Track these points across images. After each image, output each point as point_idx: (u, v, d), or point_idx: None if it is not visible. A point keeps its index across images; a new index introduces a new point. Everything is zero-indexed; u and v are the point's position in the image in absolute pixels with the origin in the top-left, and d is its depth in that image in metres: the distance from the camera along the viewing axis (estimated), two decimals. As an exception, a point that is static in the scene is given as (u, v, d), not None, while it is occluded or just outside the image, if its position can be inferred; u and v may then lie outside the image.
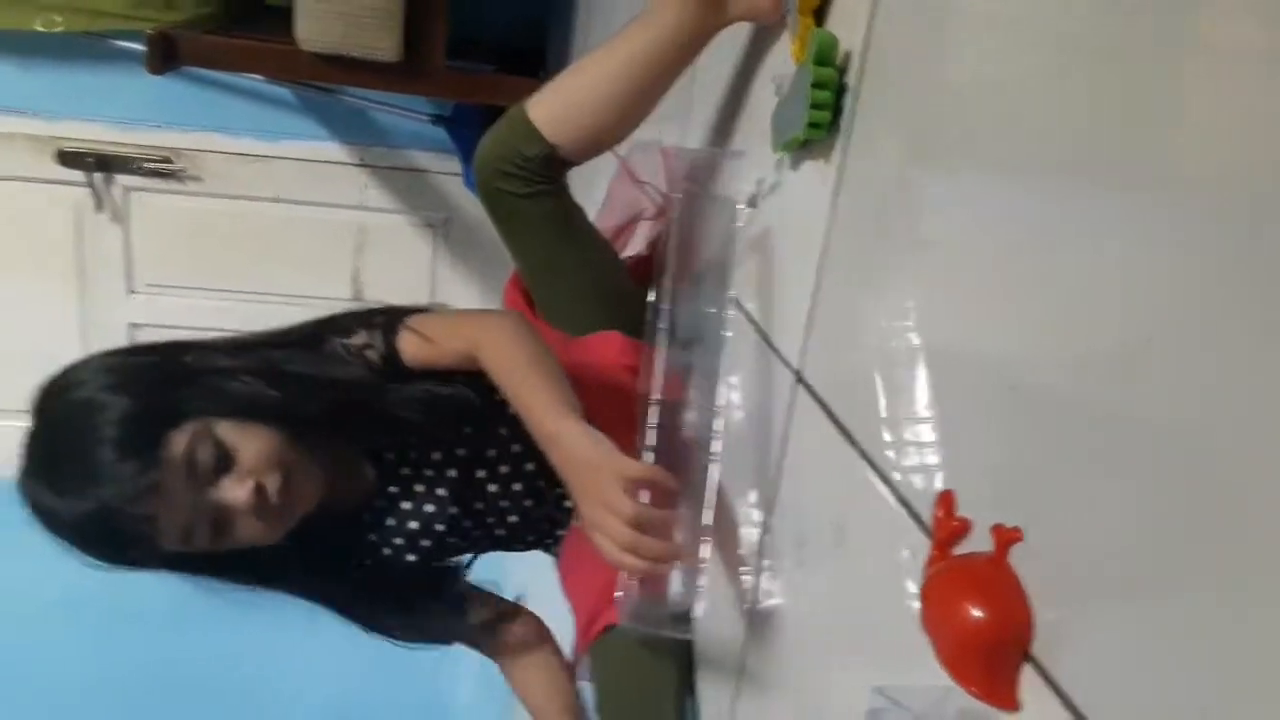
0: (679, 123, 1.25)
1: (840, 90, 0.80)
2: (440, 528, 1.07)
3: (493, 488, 1.08)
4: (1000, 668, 0.52)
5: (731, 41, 1.03)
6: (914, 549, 0.62)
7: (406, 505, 1.07)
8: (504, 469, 1.07)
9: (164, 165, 2.69)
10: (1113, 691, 0.46)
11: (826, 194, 0.82)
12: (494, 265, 2.82)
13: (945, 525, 0.59)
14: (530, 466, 1.07)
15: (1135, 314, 0.46)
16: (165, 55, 1.86)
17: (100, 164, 2.64)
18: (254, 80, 2.57)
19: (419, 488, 1.07)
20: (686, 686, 1.05)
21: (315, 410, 0.96)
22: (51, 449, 0.92)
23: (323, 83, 2.40)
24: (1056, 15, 0.55)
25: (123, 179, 2.70)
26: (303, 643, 2.64)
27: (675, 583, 0.96)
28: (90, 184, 2.64)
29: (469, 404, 1.02)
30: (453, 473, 1.06)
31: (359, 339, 0.99)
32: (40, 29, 2.21)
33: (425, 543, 1.08)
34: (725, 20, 0.95)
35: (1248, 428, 0.40)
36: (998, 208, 0.59)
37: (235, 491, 0.91)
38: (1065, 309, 0.52)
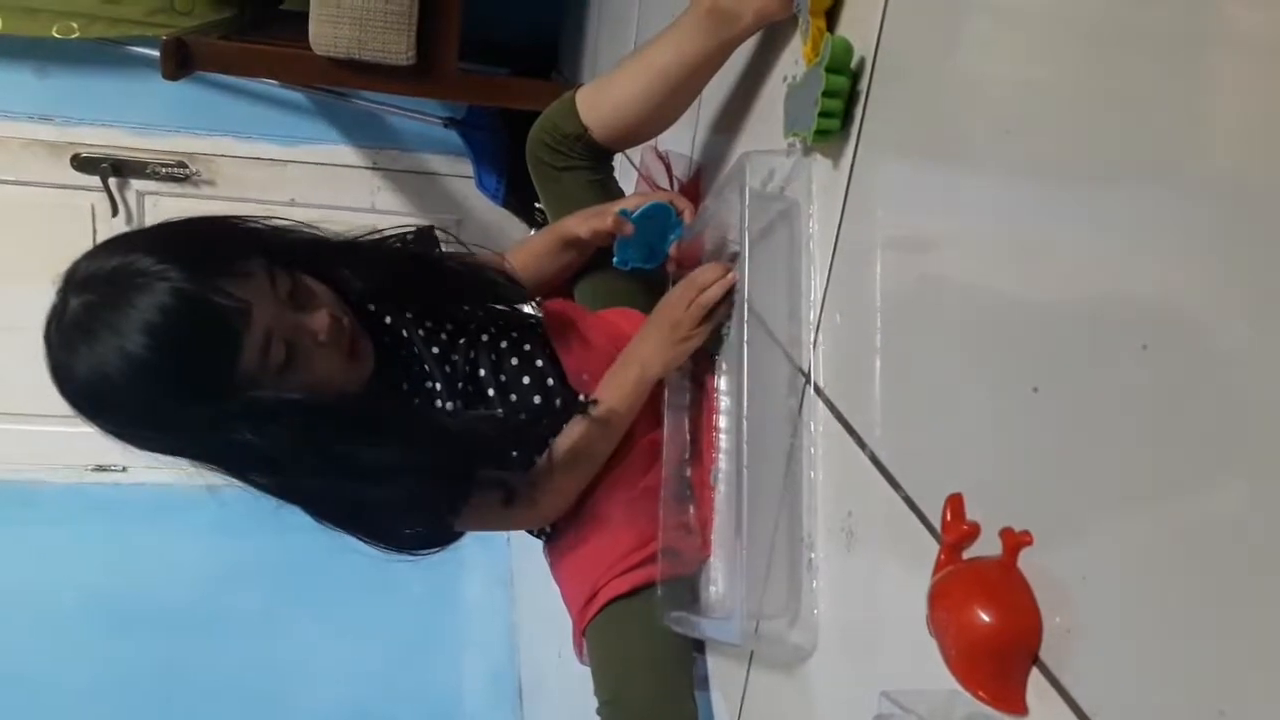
0: (690, 120, 1.25)
1: (851, 97, 0.80)
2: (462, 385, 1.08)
3: (503, 368, 1.11)
4: (1008, 672, 0.52)
5: (743, 42, 1.03)
6: (923, 552, 0.62)
7: (415, 380, 1.07)
8: (514, 361, 1.12)
9: (178, 170, 2.70)
10: (1120, 697, 0.46)
11: (837, 194, 0.82)
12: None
13: (954, 529, 0.59)
14: (539, 363, 1.12)
15: (1146, 315, 0.46)
16: (180, 61, 1.86)
17: (115, 169, 2.66)
18: (267, 85, 2.58)
19: (421, 367, 1.07)
20: (692, 659, 1.06)
21: (362, 273, 1.04)
22: (113, 274, 0.87)
23: (336, 86, 2.41)
24: (1067, 17, 0.55)
25: (138, 184, 2.71)
26: (311, 649, 2.66)
27: (716, 580, 0.98)
28: (106, 189, 2.66)
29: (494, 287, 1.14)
30: (444, 361, 1.09)
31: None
32: (57, 36, 2.22)
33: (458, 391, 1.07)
34: (739, 32, 0.97)
35: (1263, 429, 0.39)
36: (1009, 209, 0.59)
37: (313, 318, 0.94)
38: (1077, 310, 0.51)
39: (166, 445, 0.94)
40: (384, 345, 1.06)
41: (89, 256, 0.92)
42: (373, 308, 1.08)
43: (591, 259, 1.21)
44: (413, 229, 1.15)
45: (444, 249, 1.17)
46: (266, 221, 1.01)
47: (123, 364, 0.85)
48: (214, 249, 0.91)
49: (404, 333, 1.08)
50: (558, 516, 1.10)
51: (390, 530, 1.01)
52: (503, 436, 1.07)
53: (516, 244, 1.26)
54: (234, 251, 0.92)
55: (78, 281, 0.89)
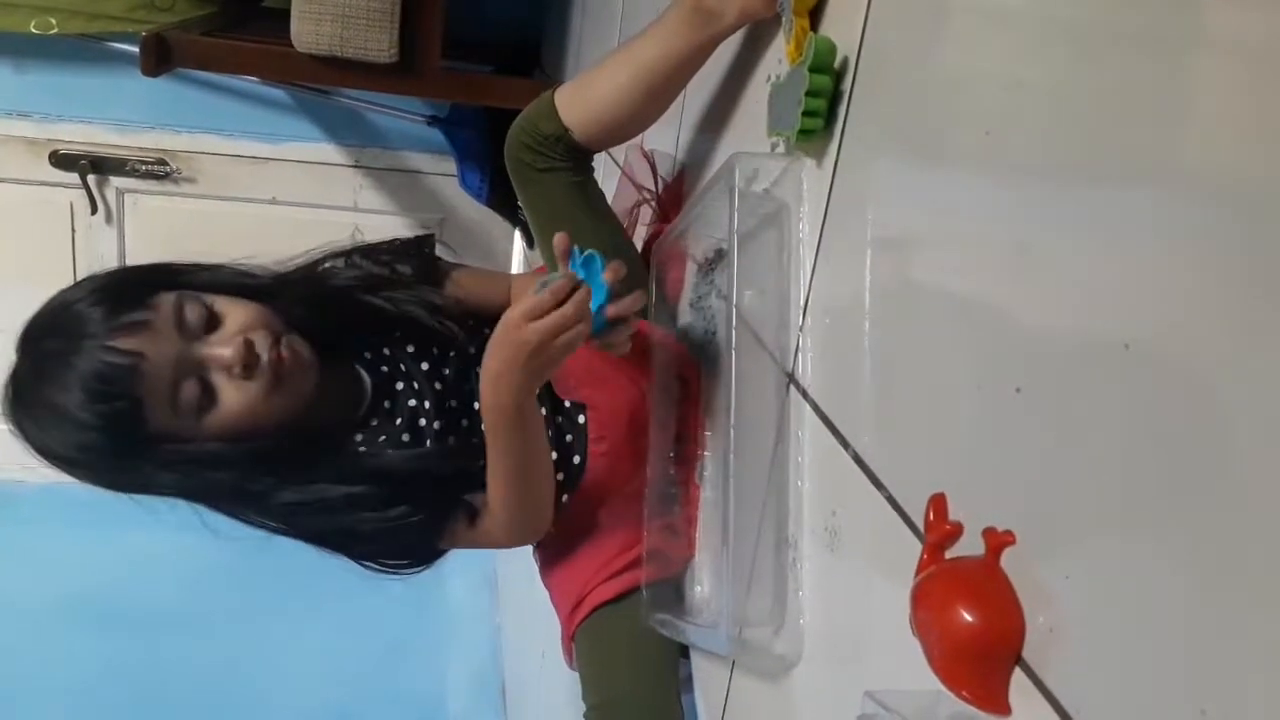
0: (673, 118, 1.25)
1: (835, 96, 0.80)
2: (430, 420, 1.05)
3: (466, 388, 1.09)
4: (992, 672, 0.52)
5: (726, 39, 1.03)
6: (906, 553, 0.62)
7: (399, 399, 1.06)
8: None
9: (159, 167, 2.68)
10: (1103, 696, 0.46)
11: (821, 194, 0.82)
12: (489, 267, 2.80)
13: (937, 528, 0.59)
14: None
15: (1128, 314, 0.46)
16: (159, 57, 1.85)
17: (95, 166, 2.63)
18: (249, 82, 2.57)
19: (408, 384, 1.06)
20: (679, 663, 1.06)
21: (306, 294, 1.02)
22: (41, 338, 0.93)
23: (318, 84, 2.40)
24: (1051, 17, 0.55)
25: (117, 181, 2.69)
26: (293, 649, 2.65)
27: (701, 580, 0.97)
28: (85, 186, 2.63)
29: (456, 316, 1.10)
30: (435, 378, 1.08)
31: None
32: (35, 31, 2.20)
33: (421, 427, 1.06)
34: (722, 29, 0.97)
35: (1244, 429, 0.40)
36: (992, 209, 0.59)
37: (222, 347, 0.91)
38: (1059, 310, 0.52)
39: (128, 487, 0.97)
40: (368, 364, 1.06)
41: (34, 316, 0.97)
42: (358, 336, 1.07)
43: None
44: (412, 239, 1.16)
45: (440, 257, 1.17)
46: (200, 262, 1.01)
47: (60, 434, 0.91)
48: (119, 298, 0.92)
49: (386, 351, 1.07)
50: (518, 539, 1.06)
51: (370, 554, 1.02)
52: (449, 465, 1.03)
53: (519, 277, 1.24)
54: (138, 296, 0.92)
55: (19, 343, 0.96)
